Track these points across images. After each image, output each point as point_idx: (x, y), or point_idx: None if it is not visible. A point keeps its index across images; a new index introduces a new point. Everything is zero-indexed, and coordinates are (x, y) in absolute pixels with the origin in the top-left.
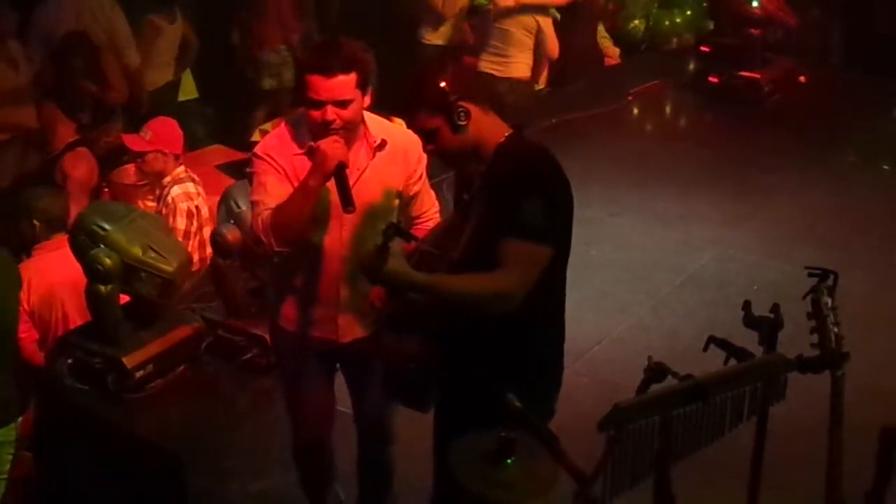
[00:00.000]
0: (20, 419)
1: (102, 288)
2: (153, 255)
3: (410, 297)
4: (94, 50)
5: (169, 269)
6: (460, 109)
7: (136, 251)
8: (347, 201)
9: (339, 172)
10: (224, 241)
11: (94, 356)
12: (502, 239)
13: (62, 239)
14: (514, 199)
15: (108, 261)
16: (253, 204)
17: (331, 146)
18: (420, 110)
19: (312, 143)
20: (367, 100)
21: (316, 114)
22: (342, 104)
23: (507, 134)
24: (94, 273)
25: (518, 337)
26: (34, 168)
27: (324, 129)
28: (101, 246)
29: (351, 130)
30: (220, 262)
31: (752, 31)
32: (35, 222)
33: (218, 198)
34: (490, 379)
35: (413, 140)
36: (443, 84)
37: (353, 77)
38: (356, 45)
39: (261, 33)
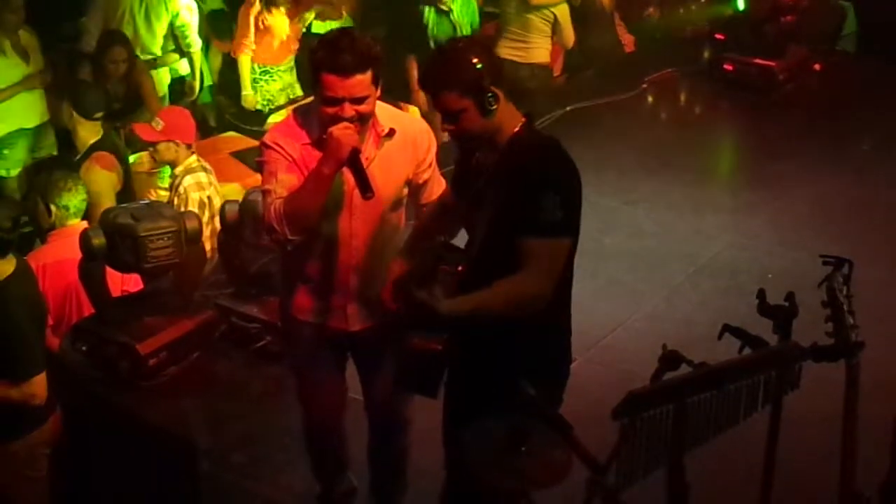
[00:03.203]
0: (51, 418)
1: (86, 264)
2: (130, 220)
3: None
4: (131, 56)
5: (135, 225)
6: (491, 94)
7: (116, 219)
8: (366, 187)
9: (354, 159)
10: (224, 218)
11: (108, 343)
12: (523, 237)
13: (78, 226)
14: (532, 196)
15: (95, 240)
16: (263, 193)
17: (343, 133)
18: (451, 89)
19: (324, 133)
20: (378, 91)
21: (331, 110)
22: (358, 101)
23: (521, 123)
24: (83, 251)
25: (526, 325)
26: (47, 156)
27: (339, 122)
28: (96, 226)
29: (365, 124)
30: (222, 237)
31: (787, 17)
32: (52, 208)
33: (232, 185)
34: (499, 367)
35: (422, 128)
36: (476, 63)
37: (368, 75)
38: (368, 40)
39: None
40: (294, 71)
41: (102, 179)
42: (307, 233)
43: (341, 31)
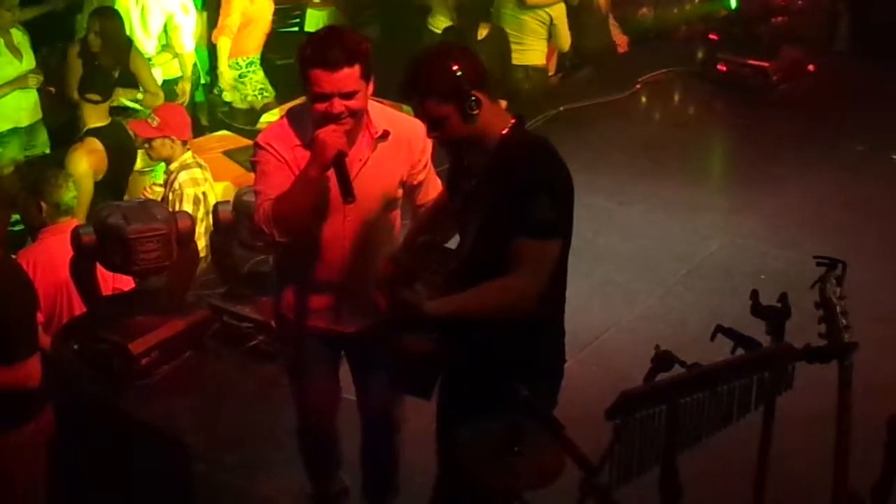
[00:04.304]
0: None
1: (77, 262)
2: (120, 221)
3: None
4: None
5: (124, 227)
6: (472, 98)
7: (107, 218)
8: (347, 192)
9: (339, 162)
10: (217, 218)
11: (100, 342)
12: (514, 238)
13: (69, 223)
14: (522, 198)
15: (85, 238)
16: (256, 194)
17: (330, 135)
18: (431, 97)
19: (316, 131)
20: (370, 88)
21: (321, 107)
22: (348, 96)
23: (509, 125)
24: (74, 249)
25: (521, 326)
26: (39, 154)
27: (330, 120)
28: (88, 223)
29: (357, 120)
30: (215, 238)
31: (781, 18)
32: (42, 205)
33: (224, 183)
34: (493, 367)
35: (417, 129)
36: (455, 69)
37: (356, 69)
38: (356, 35)
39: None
40: None
41: (81, 165)
42: (296, 234)
43: (329, 27)
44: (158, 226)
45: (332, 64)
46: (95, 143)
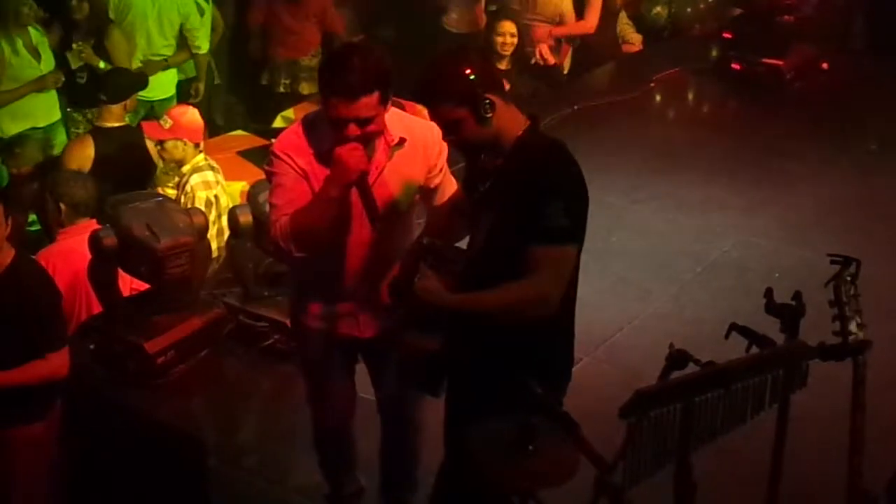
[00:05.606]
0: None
1: (97, 265)
2: (147, 233)
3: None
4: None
5: (155, 245)
6: (486, 101)
7: (132, 228)
8: (373, 212)
9: (362, 182)
10: (235, 223)
11: (116, 341)
12: (529, 245)
13: (87, 224)
14: (536, 203)
15: (106, 240)
16: (270, 207)
17: (351, 156)
18: (444, 101)
19: (336, 149)
20: (386, 109)
21: (337, 129)
22: (364, 122)
23: (524, 126)
24: (93, 252)
25: (531, 326)
26: (57, 154)
27: (346, 141)
28: (107, 225)
29: (372, 140)
30: (233, 241)
31: (795, 16)
32: (61, 206)
33: (240, 184)
34: (502, 366)
35: (433, 133)
36: (469, 73)
37: (375, 97)
38: (375, 57)
39: (279, 37)
40: None
41: (69, 155)
42: (314, 250)
43: (350, 48)
44: (185, 239)
45: (350, 94)
46: (87, 144)
